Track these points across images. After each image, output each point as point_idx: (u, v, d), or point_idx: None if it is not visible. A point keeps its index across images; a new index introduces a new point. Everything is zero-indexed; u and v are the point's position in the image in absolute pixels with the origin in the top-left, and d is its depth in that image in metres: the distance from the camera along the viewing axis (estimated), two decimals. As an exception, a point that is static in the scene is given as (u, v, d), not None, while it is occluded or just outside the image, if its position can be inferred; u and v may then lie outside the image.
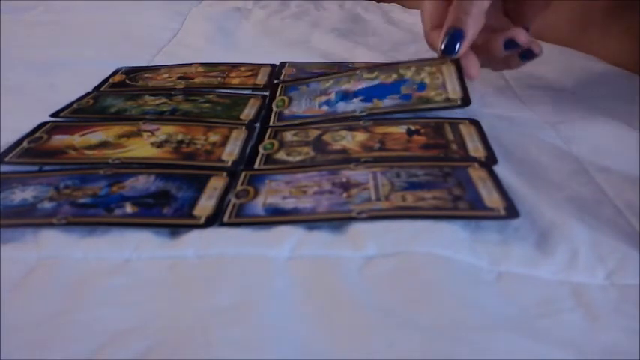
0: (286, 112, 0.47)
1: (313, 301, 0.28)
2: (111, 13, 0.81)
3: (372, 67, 0.51)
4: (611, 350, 0.26)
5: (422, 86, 0.47)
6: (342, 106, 0.47)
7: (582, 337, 0.26)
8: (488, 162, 0.38)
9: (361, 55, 0.64)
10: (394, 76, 0.49)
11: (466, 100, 0.44)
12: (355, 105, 0.47)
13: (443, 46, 0.47)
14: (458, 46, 0.47)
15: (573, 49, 0.62)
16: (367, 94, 0.47)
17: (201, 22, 0.77)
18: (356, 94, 0.48)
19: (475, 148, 0.40)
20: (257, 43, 0.71)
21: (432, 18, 0.50)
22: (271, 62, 0.60)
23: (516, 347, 0.26)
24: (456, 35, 0.47)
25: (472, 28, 0.47)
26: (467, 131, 0.42)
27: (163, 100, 0.50)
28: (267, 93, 0.52)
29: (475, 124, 0.43)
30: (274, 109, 0.48)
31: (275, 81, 0.55)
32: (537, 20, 0.51)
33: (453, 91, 0.46)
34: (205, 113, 0.47)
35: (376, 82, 0.49)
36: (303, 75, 0.55)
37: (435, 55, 0.50)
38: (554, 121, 0.46)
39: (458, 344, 0.26)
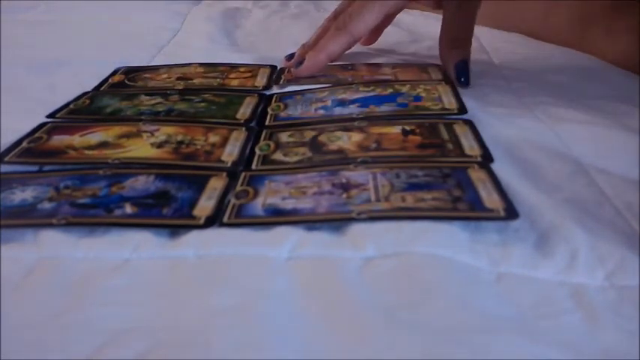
0: (282, 114, 0.48)
1: (313, 301, 0.28)
2: (111, 12, 0.81)
3: (367, 82, 0.53)
4: (610, 351, 0.26)
5: (418, 98, 0.49)
6: (339, 111, 0.47)
7: (582, 339, 0.26)
8: (485, 160, 0.38)
9: (361, 55, 0.64)
10: (390, 90, 0.50)
11: (462, 110, 0.46)
12: (352, 110, 0.47)
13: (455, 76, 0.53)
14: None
15: (573, 49, 0.62)
16: (364, 102, 0.48)
17: (201, 22, 0.77)
18: (352, 101, 0.49)
19: (470, 147, 0.40)
20: (257, 44, 0.71)
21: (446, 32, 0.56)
22: (271, 63, 0.60)
23: (515, 348, 0.26)
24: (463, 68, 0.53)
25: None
26: (461, 130, 0.42)
27: (159, 100, 0.50)
28: (264, 93, 0.52)
29: (469, 123, 0.43)
30: (270, 112, 0.48)
31: (273, 86, 0.54)
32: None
33: (449, 102, 0.48)
34: (201, 113, 0.48)
35: (372, 93, 0.50)
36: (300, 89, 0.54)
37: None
38: (554, 122, 0.46)
39: (457, 345, 0.26)
